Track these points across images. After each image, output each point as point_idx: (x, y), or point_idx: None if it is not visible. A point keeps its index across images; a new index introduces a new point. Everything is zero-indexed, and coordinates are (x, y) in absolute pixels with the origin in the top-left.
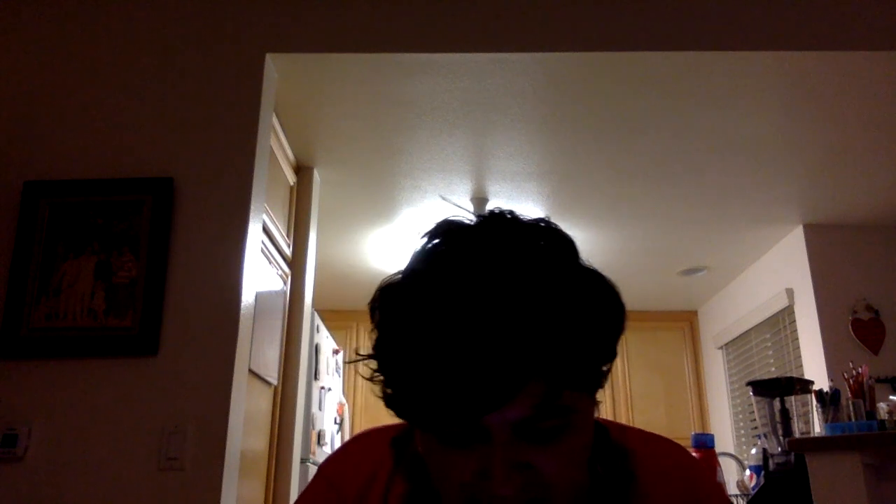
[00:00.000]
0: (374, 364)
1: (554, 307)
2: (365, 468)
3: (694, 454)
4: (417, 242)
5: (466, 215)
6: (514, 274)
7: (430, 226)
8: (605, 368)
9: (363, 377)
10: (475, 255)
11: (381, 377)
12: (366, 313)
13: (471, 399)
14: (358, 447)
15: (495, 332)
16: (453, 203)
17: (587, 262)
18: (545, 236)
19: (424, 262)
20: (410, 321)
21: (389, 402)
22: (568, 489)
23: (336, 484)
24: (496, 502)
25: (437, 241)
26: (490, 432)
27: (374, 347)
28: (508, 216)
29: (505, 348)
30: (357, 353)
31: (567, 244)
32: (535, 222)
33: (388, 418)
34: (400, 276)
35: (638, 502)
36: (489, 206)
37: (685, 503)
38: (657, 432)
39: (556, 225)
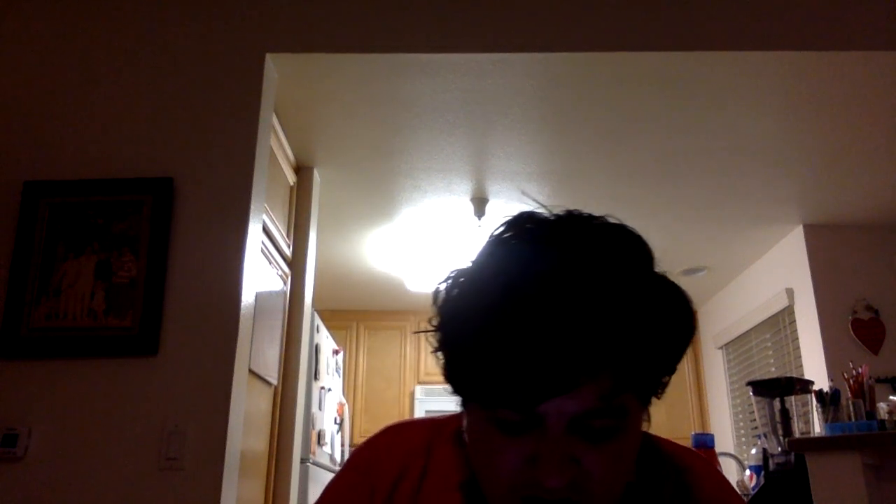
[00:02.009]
0: (438, 339)
1: (633, 307)
2: (397, 460)
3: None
4: (493, 232)
5: (545, 211)
6: (597, 268)
7: (508, 217)
8: (664, 380)
9: (431, 348)
10: (560, 246)
11: (445, 353)
12: (366, 313)
13: (538, 381)
14: (390, 439)
15: (573, 320)
16: (532, 198)
17: (663, 273)
18: (627, 239)
19: (507, 251)
20: (490, 302)
21: (452, 378)
22: (609, 490)
23: (368, 473)
24: (541, 493)
25: (517, 230)
26: (545, 422)
27: (443, 325)
28: (587, 215)
29: (579, 337)
30: (430, 323)
31: (646, 250)
32: (617, 225)
33: (387, 418)
34: (474, 263)
35: None
36: (489, 207)
37: None
38: (657, 433)
39: (635, 230)
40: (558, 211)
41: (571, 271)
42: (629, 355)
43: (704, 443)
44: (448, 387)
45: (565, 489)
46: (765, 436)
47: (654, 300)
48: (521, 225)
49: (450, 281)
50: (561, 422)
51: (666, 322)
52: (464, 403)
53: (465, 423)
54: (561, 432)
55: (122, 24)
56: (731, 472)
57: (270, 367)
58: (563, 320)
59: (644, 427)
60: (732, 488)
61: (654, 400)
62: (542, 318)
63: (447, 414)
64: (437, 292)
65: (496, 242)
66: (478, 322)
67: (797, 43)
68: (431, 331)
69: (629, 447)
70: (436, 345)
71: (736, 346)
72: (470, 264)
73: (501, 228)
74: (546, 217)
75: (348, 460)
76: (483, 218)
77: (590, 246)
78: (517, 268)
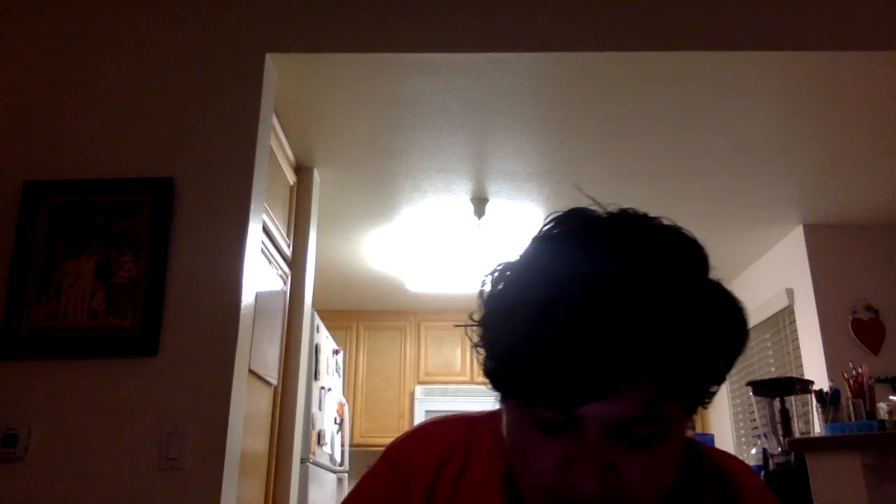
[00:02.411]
0: (479, 334)
1: (680, 314)
2: (435, 454)
3: None
4: (543, 226)
5: (598, 208)
6: (645, 272)
7: (560, 212)
8: (712, 389)
9: (472, 343)
10: (609, 248)
11: (486, 348)
12: (366, 313)
13: (577, 384)
14: (427, 433)
15: (617, 324)
16: (586, 194)
17: (718, 280)
18: (680, 244)
19: (555, 246)
20: (534, 301)
21: (491, 374)
22: (648, 499)
23: (404, 468)
24: (576, 496)
25: (567, 228)
26: (584, 425)
27: (486, 319)
28: (640, 214)
29: (622, 342)
30: (471, 318)
31: (702, 256)
32: (672, 227)
33: (387, 418)
34: (522, 257)
35: None
36: (489, 207)
37: None
38: None
39: (691, 234)
40: (612, 209)
41: (618, 274)
42: (674, 363)
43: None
44: (487, 382)
45: (600, 494)
46: (765, 436)
47: (704, 308)
48: (571, 222)
49: (496, 275)
50: (599, 426)
51: (715, 331)
52: (503, 399)
53: (503, 418)
54: (599, 436)
55: (122, 25)
56: None
57: (270, 367)
58: (606, 324)
59: (689, 434)
60: (775, 498)
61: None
62: (585, 320)
63: (483, 411)
64: (482, 285)
65: (545, 239)
66: (520, 320)
67: (797, 43)
68: (474, 324)
69: (671, 456)
70: (477, 340)
71: None
72: (517, 258)
73: (551, 224)
74: (597, 215)
75: (383, 454)
76: (483, 218)
77: (639, 248)
78: (564, 267)
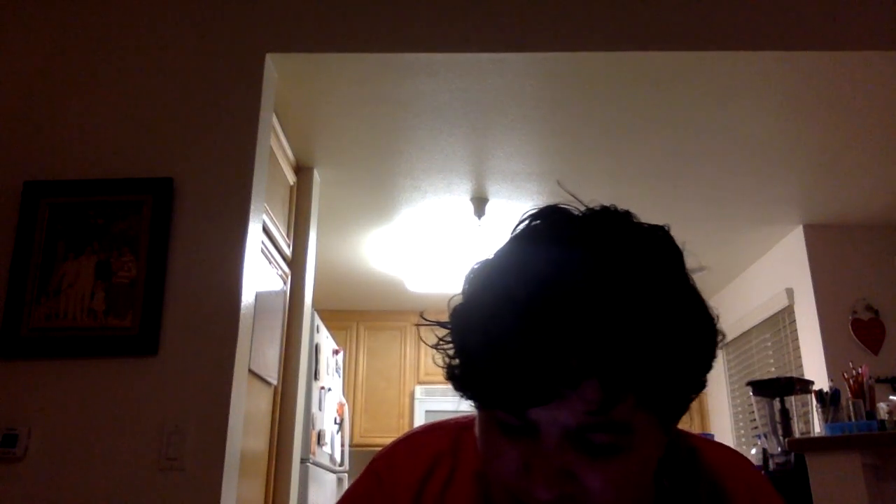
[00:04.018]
0: (442, 332)
1: (627, 314)
2: (421, 463)
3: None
4: (518, 223)
5: (575, 204)
6: (598, 269)
7: (535, 208)
8: (682, 398)
9: (426, 344)
10: (564, 242)
11: (448, 347)
12: (366, 313)
13: (523, 386)
14: (414, 442)
15: (561, 321)
16: (568, 191)
17: (693, 284)
18: (647, 241)
19: (514, 242)
20: (486, 296)
21: (450, 375)
22: None
23: (386, 478)
24: (531, 502)
25: (536, 223)
26: (540, 430)
27: (452, 315)
28: (616, 213)
29: (566, 339)
30: (422, 317)
31: (672, 258)
32: (646, 227)
33: (387, 418)
34: (493, 255)
35: None
36: (489, 207)
37: None
38: None
39: (669, 236)
40: (593, 206)
41: (564, 273)
42: (620, 366)
43: (706, 446)
44: (451, 383)
45: (554, 501)
46: (765, 436)
47: (658, 311)
48: (540, 220)
49: (468, 274)
50: (555, 432)
51: (671, 336)
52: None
53: (476, 420)
54: (555, 444)
55: (123, 25)
56: None
57: (270, 367)
58: (547, 324)
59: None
60: (757, 482)
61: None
62: (528, 321)
63: (473, 415)
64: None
65: (514, 237)
66: (474, 320)
67: (797, 43)
68: (429, 323)
69: (636, 468)
70: (436, 340)
71: (736, 346)
72: (488, 258)
73: (523, 221)
74: (567, 213)
75: (370, 463)
76: (483, 218)
77: (594, 247)
78: (517, 266)
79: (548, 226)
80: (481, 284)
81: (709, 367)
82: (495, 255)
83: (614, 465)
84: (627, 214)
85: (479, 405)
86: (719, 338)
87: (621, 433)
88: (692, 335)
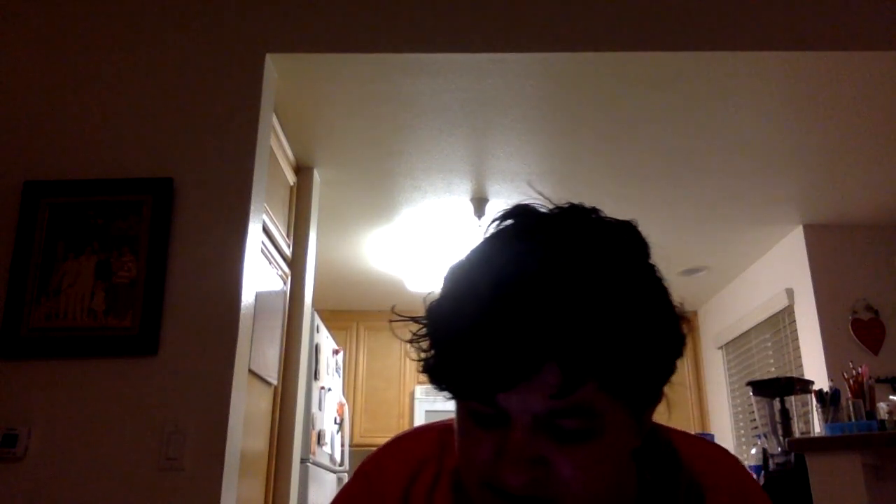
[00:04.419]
0: (416, 328)
1: (584, 298)
2: (408, 466)
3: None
4: (491, 221)
5: (544, 203)
6: (557, 259)
7: (505, 208)
8: (646, 383)
9: (401, 339)
10: (527, 237)
11: (422, 341)
12: (366, 313)
13: (487, 372)
14: (402, 445)
15: (519, 309)
16: (537, 190)
17: (658, 275)
18: (610, 234)
19: (485, 241)
20: (455, 291)
21: (425, 366)
22: (583, 496)
23: (375, 481)
24: (503, 489)
25: (506, 221)
26: (512, 418)
27: (427, 310)
28: (583, 209)
29: (524, 325)
30: (394, 312)
31: (633, 248)
32: (609, 220)
33: (387, 418)
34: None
35: None
36: (489, 207)
37: None
38: None
39: (634, 228)
40: (562, 204)
41: (522, 265)
42: (584, 347)
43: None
44: (424, 376)
45: (527, 487)
46: (765, 436)
47: (616, 298)
48: (507, 218)
49: (444, 274)
50: (525, 419)
51: (630, 322)
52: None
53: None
54: (526, 430)
55: (122, 25)
56: None
57: (270, 367)
58: (505, 314)
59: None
60: (739, 478)
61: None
62: (488, 311)
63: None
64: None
65: (485, 236)
66: (443, 315)
67: (797, 43)
68: (406, 319)
69: (606, 454)
70: (412, 335)
71: (736, 346)
72: (463, 257)
73: (493, 221)
74: (533, 210)
75: (357, 469)
76: (483, 218)
77: (552, 240)
78: (479, 263)
79: (514, 223)
80: (451, 281)
81: (676, 354)
82: (468, 254)
83: (584, 451)
84: (593, 210)
85: (453, 396)
86: (685, 328)
87: (588, 418)
88: (652, 322)
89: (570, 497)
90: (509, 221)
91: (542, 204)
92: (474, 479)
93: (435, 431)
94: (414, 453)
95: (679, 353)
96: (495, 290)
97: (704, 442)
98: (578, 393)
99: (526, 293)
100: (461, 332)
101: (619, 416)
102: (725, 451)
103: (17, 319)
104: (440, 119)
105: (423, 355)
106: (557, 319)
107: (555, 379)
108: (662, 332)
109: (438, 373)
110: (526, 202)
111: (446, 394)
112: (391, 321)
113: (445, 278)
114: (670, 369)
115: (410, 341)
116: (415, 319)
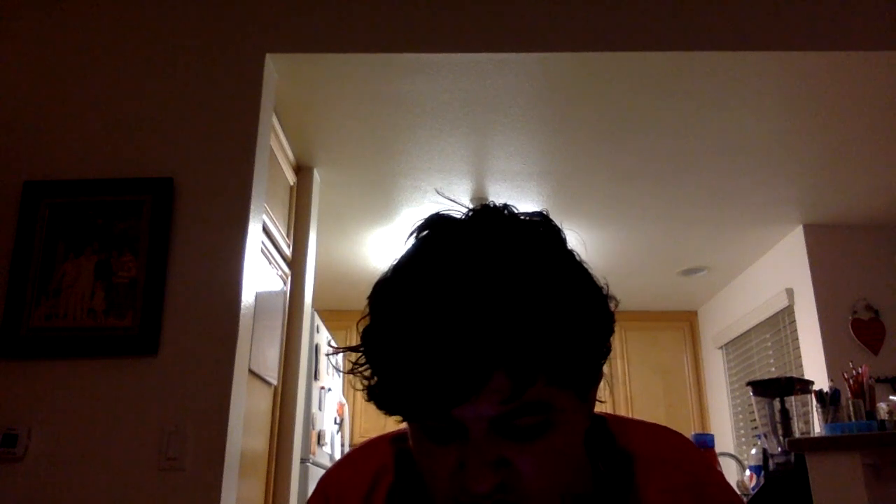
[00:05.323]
0: (356, 356)
1: (518, 299)
2: (364, 477)
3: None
4: (408, 235)
5: (458, 209)
6: (482, 265)
7: (421, 219)
8: (589, 366)
9: (337, 370)
10: (448, 247)
11: (364, 368)
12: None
13: (437, 390)
14: (356, 456)
15: (457, 322)
16: (448, 198)
17: (579, 259)
18: (526, 229)
19: (405, 256)
20: (386, 312)
21: (370, 394)
22: (549, 490)
23: (333, 497)
24: (471, 499)
25: (423, 233)
26: (468, 428)
27: (361, 337)
28: (495, 209)
29: (466, 338)
30: (329, 345)
31: (551, 238)
32: (522, 216)
33: (386, 418)
34: (389, 268)
35: None
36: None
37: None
38: None
39: (547, 219)
40: (472, 207)
41: (462, 272)
42: (526, 347)
43: (704, 443)
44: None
45: (492, 492)
46: (765, 436)
47: (551, 288)
48: (427, 226)
49: (370, 295)
50: (481, 425)
51: (566, 307)
52: None
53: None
54: (484, 436)
55: (122, 24)
56: (731, 472)
57: (270, 367)
58: (446, 330)
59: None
60: (693, 477)
61: (596, 389)
62: (429, 330)
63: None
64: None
65: (406, 249)
66: (380, 340)
67: (797, 43)
68: (343, 350)
69: (564, 442)
70: (351, 364)
71: (736, 346)
72: (385, 272)
73: (411, 233)
74: (453, 217)
75: (316, 486)
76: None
77: (482, 242)
78: (409, 282)
79: (433, 235)
80: (383, 303)
81: (609, 332)
82: (391, 271)
83: (542, 445)
84: (505, 207)
85: (406, 418)
86: (612, 303)
87: (542, 412)
88: (585, 307)
89: (536, 492)
90: (427, 233)
91: (454, 210)
92: (441, 495)
93: (387, 441)
94: (369, 464)
95: (612, 331)
96: (432, 307)
97: (646, 423)
98: (529, 392)
99: (464, 306)
100: (403, 353)
101: (570, 403)
102: (667, 427)
103: (17, 319)
104: (440, 119)
105: (366, 383)
106: (500, 327)
107: (505, 384)
108: (596, 315)
109: (386, 397)
110: (439, 211)
111: (397, 417)
112: (327, 354)
113: (374, 299)
114: (608, 348)
115: (351, 372)
116: (353, 349)
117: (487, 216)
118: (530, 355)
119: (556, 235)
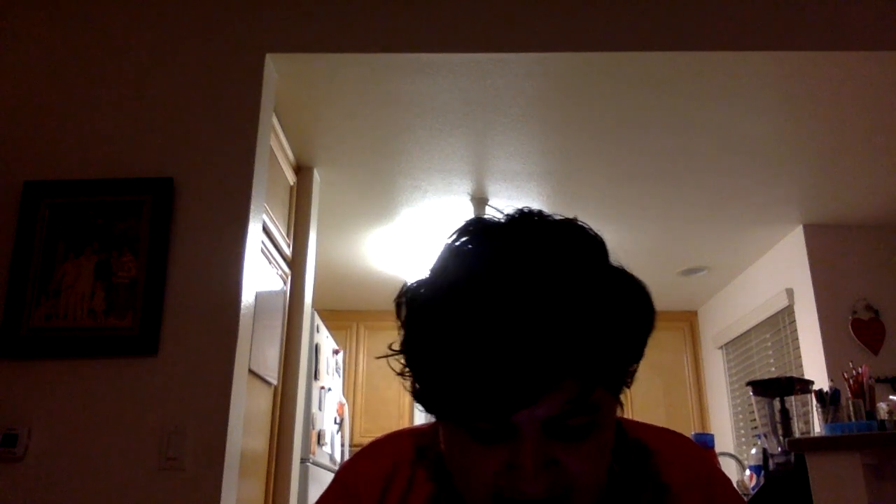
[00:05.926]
0: (402, 359)
1: (586, 307)
2: (381, 471)
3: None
4: (446, 241)
5: (495, 214)
6: (546, 274)
7: (460, 224)
8: (631, 369)
9: (395, 372)
10: (509, 255)
11: (411, 372)
12: (366, 313)
13: (505, 396)
14: (375, 450)
15: (530, 332)
16: (492, 206)
17: (616, 262)
18: (575, 236)
19: (457, 261)
20: (447, 320)
21: (420, 397)
22: (591, 486)
23: (350, 486)
24: (523, 497)
25: (467, 239)
26: (519, 429)
27: (405, 344)
28: (537, 216)
29: (539, 348)
30: (389, 349)
31: (597, 244)
32: (565, 222)
33: (387, 418)
34: (429, 274)
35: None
36: (489, 207)
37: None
38: None
39: (585, 225)
40: (509, 212)
41: (528, 281)
42: (595, 353)
43: (704, 443)
44: (419, 406)
45: (546, 492)
46: (765, 436)
47: (611, 295)
48: (472, 232)
49: (409, 296)
50: (535, 427)
51: (625, 313)
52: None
53: (441, 432)
54: (536, 437)
55: (122, 25)
56: (732, 472)
57: (270, 367)
58: (525, 332)
59: (618, 414)
60: (705, 471)
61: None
62: (495, 332)
63: (428, 423)
64: (398, 308)
65: (451, 252)
66: (433, 340)
67: (797, 43)
68: (393, 354)
69: (605, 440)
70: (402, 366)
71: (736, 346)
72: (428, 276)
73: (455, 236)
74: (495, 223)
75: (335, 475)
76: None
77: (541, 251)
78: (475, 285)
79: (489, 241)
80: (441, 308)
81: (648, 334)
82: (437, 271)
83: (589, 444)
84: (542, 214)
85: (457, 421)
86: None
87: (592, 413)
88: (637, 315)
89: (582, 489)
90: (475, 241)
91: (492, 217)
92: (478, 494)
93: (407, 436)
94: (388, 457)
95: (653, 328)
96: (504, 317)
97: (668, 432)
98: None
99: (535, 316)
100: (471, 360)
101: (610, 403)
102: (690, 441)
103: (17, 319)
104: (440, 119)
105: (417, 387)
106: (570, 336)
107: (574, 388)
108: (645, 320)
109: (440, 400)
110: (480, 217)
111: (445, 419)
112: (378, 357)
113: (424, 305)
114: (642, 349)
115: (401, 374)
116: (401, 352)
117: (531, 224)
118: (596, 362)
119: (602, 243)
